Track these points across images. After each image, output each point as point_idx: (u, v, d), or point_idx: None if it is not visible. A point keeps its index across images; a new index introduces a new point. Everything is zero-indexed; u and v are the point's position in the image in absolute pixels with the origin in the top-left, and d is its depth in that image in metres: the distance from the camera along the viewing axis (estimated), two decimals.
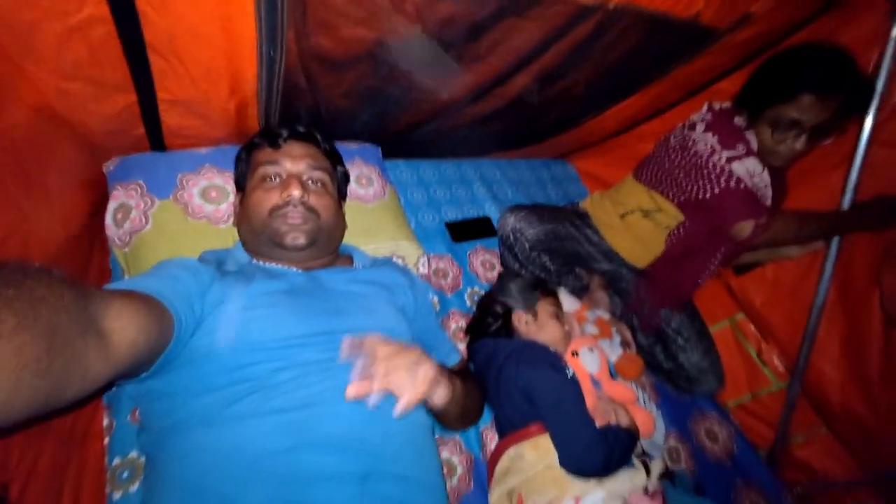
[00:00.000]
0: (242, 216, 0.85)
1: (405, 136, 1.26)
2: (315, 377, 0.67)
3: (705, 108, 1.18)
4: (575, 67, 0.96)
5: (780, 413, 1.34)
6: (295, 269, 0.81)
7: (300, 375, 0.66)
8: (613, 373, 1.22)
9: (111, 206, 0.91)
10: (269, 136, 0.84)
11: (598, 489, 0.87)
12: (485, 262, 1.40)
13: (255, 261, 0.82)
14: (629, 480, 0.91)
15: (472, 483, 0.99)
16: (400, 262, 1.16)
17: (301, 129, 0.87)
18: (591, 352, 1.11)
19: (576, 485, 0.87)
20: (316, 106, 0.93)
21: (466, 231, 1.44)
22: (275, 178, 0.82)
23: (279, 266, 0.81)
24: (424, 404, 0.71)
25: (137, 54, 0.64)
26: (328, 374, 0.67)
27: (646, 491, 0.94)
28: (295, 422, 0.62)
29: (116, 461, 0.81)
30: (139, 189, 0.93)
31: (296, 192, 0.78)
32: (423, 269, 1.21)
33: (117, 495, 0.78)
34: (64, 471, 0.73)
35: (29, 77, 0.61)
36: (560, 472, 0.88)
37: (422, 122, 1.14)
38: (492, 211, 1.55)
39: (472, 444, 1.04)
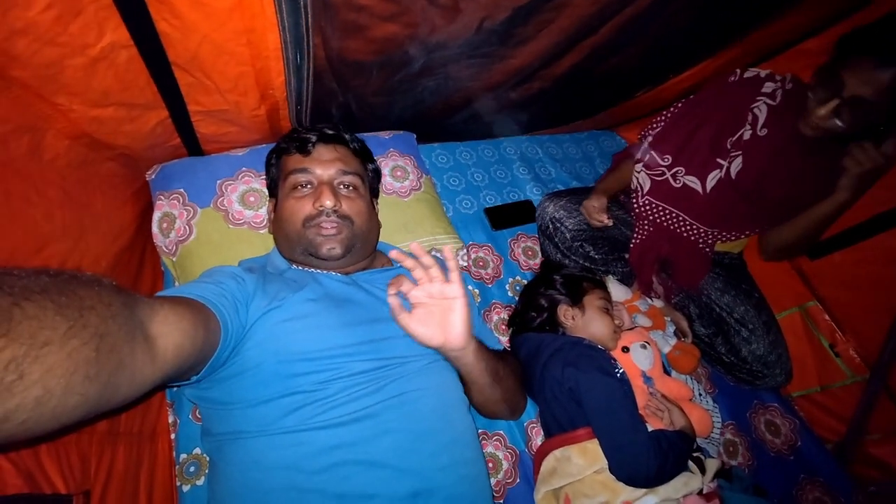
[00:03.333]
0: (277, 225, 0.83)
1: (440, 121, 1.19)
2: (363, 389, 0.67)
3: None
4: (633, 41, 0.84)
5: (853, 407, 1.24)
6: (334, 273, 0.80)
7: (348, 387, 0.66)
8: (667, 366, 1.16)
9: (156, 215, 0.93)
10: (298, 142, 0.81)
11: (651, 494, 0.84)
12: (527, 250, 1.34)
13: (294, 266, 0.82)
14: (684, 485, 0.87)
15: (517, 477, 0.99)
16: (438, 255, 1.13)
17: (329, 131, 0.83)
18: (643, 349, 1.05)
19: (626, 489, 0.84)
20: (347, 104, 0.88)
21: (506, 217, 1.37)
22: (306, 186, 0.80)
23: (318, 271, 0.81)
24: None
25: (163, 73, 0.62)
26: (375, 386, 0.68)
27: (701, 492, 0.90)
28: (346, 437, 0.63)
29: (183, 456, 0.86)
30: (181, 198, 0.94)
31: (328, 202, 0.76)
32: (462, 262, 1.18)
33: (186, 488, 0.84)
34: (138, 468, 0.79)
35: (62, 110, 0.61)
36: (609, 477, 0.85)
37: (459, 107, 1.06)
38: (533, 193, 1.47)
39: (517, 439, 1.03)
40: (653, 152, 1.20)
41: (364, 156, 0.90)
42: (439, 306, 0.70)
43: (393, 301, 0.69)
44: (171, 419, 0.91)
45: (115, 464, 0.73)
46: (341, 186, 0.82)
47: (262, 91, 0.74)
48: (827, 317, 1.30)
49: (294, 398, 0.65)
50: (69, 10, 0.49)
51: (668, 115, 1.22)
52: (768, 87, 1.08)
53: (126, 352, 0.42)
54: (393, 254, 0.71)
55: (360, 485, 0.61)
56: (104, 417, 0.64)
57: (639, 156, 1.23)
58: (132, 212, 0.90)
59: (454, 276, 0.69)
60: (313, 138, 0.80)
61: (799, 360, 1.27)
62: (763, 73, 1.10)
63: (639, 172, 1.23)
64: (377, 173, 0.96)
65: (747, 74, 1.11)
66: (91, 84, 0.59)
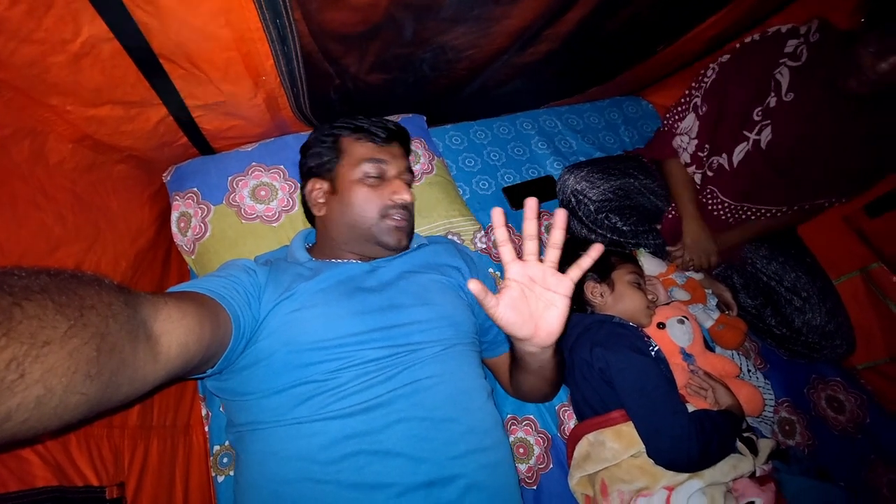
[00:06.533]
0: (340, 208, 0.80)
1: (449, 99, 1.14)
2: (375, 377, 0.65)
3: None
4: None
5: None
6: (356, 261, 0.79)
7: (360, 375, 0.65)
8: (710, 342, 1.08)
9: (174, 215, 0.95)
10: (370, 133, 0.82)
11: (695, 479, 0.78)
12: (549, 228, 1.28)
13: (314, 260, 0.81)
14: (732, 468, 0.81)
15: (551, 462, 0.95)
16: (455, 239, 1.10)
17: (394, 127, 0.85)
18: (681, 324, 0.98)
19: (667, 474, 0.79)
20: (345, 86, 0.86)
21: (526, 195, 1.30)
22: (376, 176, 0.80)
23: (338, 261, 0.80)
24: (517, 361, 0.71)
25: (152, 66, 0.62)
26: (388, 374, 0.66)
27: (753, 475, 0.83)
28: (358, 427, 0.62)
29: (216, 447, 0.89)
30: (195, 197, 0.96)
31: (408, 197, 0.79)
32: (480, 244, 1.14)
33: (220, 478, 0.86)
34: (173, 460, 0.81)
35: (58, 112, 0.62)
36: (648, 461, 0.80)
37: (465, 81, 1.01)
38: (554, 168, 1.40)
39: (549, 423, 0.99)
40: (690, 150, 1.13)
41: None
42: (538, 296, 0.59)
43: (475, 287, 0.56)
44: (203, 412, 0.93)
45: (150, 456, 0.75)
46: (405, 181, 0.84)
47: (254, 78, 0.73)
48: (895, 278, 1.16)
49: (306, 388, 0.64)
50: (39, 4, 0.48)
51: (687, 100, 1.13)
52: (790, 45, 0.97)
53: (128, 351, 0.42)
54: (495, 213, 0.59)
55: (374, 475, 0.60)
56: (108, 415, 0.66)
57: (685, 160, 1.16)
58: (151, 213, 0.92)
59: (575, 272, 0.59)
60: (383, 134, 0.83)
61: (863, 329, 1.16)
62: (784, 29, 0.99)
63: (694, 173, 1.16)
64: None
65: (769, 31, 1.00)
66: (80, 82, 0.60)
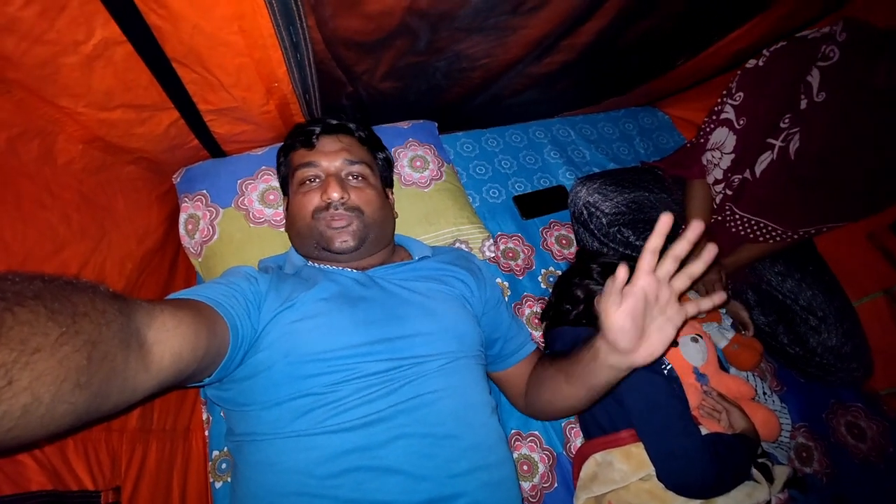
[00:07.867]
0: (289, 222, 0.83)
1: (462, 107, 1.13)
2: (376, 391, 0.64)
3: None
4: None
5: None
6: (350, 270, 0.77)
7: (361, 389, 0.63)
8: (725, 363, 1.04)
9: (182, 217, 0.95)
10: (302, 136, 0.80)
11: None
12: (560, 238, 1.26)
13: (310, 263, 0.80)
14: (747, 496, 0.77)
15: (555, 481, 0.92)
16: (463, 247, 1.08)
17: (333, 121, 0.82)
18: (694, 342, 0.95)
19: (678, 499, 0.76)
20: (357, 94, 0.85)
21: (537, 205, 1.30)
22: (314, 180, 0.78)
23: (334, 267, 0.78)
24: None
25: (164, 70, 0.62)
26: (390, 388, 0.64)
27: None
28: (358, 441, 0.60)
29: (216, 453, 0.88)
30: (204, 199, 0.96)
31: (335, 194, 0.74)
32: (489, 253, 1.12)
33: (218, 485, 0.85)
34: (171, 465, 0.80)
35: (68, 113, 0.62)
36: (657, 485, 0.77)
37: (478, 90, 1.00)
38: (566, 178, 1.38)
39: (554, 441, 0.96)
40: (723, 165, 1.08)
41: (372, 144, 0.88)
42: (651, 317, 0.56)
43: (622, 274, 0.55)
44: (204, 416, 0.92)
45: (148, 460, 0.74)
46: (349, 177, 0.80)
47: (266, 85, 0.73)
48: None
49: (305, 400, 0.63)
50: (52, 6, 0.48)
51: (718, 110, 1.08)
52: (821, 50, 0.92)
53: (119, 359, 0.41)
54: (662, 222, 0.54)
55: (373, 492, 0.58)
56: (95, 424, 0.64)
57: (717, 175, 1.10)
58: (159, 215, 0.92)
59: (691, 306, 0.57)
60: (317, 130, 0.80)
61: (887, 353, 1.11)
62: (810, 35, 0.94)
63: (720, 193, 1.11)
64: (388, 162, 0.93)
65: (797, 36, 0.97)
66: (91, 85, 0.60)
